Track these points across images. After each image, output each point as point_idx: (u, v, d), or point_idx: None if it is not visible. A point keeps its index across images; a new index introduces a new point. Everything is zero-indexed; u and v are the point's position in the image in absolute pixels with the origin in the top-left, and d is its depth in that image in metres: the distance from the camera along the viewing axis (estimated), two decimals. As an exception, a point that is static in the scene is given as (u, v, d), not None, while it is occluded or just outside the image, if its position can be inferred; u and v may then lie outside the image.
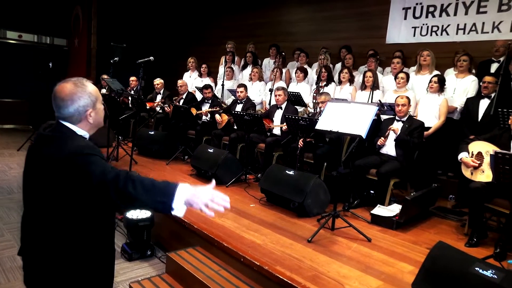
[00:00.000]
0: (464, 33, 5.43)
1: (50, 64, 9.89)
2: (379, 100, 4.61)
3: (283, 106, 5.19)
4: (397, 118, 4.22)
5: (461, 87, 4.65)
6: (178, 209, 1.38)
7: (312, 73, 6.27)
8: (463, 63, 4.63)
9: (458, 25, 5.48)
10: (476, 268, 2.11)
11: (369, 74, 4.96)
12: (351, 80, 5.32)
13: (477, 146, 3.46)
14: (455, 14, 5.51)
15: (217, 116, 5.73)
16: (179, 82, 6.60)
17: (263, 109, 6.00)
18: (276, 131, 5.17)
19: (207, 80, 6.92)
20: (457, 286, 2.14)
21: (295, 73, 5.94)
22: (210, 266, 2.85)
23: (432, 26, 5.74)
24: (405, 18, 6.04)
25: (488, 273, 2.07)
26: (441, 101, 4.44)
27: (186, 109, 5.69)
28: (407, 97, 4.20)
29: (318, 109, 4.80)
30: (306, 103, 5.50)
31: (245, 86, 5.65)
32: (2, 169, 5.82)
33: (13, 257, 3.24)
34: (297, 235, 3.22)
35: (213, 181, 1.47)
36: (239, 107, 5.55)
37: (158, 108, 6.72)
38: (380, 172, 3.95)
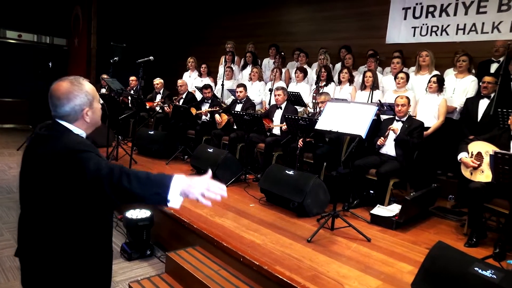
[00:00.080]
0: (464, 33, 5.43)
1: (50, 64, 9.92)
2: (379, 100, 4.61)
3: (283, 106, 5.19)
4: (396, 118, 4.22)
5: (461, 87, 4.65)
6: (174, 201, 1.36)
7: (312, 73, 6.27)
8: (463, 63, 4.63)
9: (458, 25, 5.48)
10: (476, 268, 2.11)
11: (368, 74, 4.96)
12: (350, 80, 5.32)
13: (476, 146, 3.46)
14: (455, 14, 5.51)
15: (216, 116, 5.73)
16: (179, 82, 6.60)
17: (263, 109, 6.01)
18: (276, 131, 5.17)
19: (207, 80, 6.92)
20: (456, 286, 2.14)
21: (295, 73, 5.94)
22: (209, 266, 2.85)
23: (432, 26, 5.74)
24: (405, 18, 6.04)
25: (488, 273, 2.07)
26: (440, 101, 4.44)
27: (185, 109, 5.69)
28: (407, 97, 4.20)
29: (317, 109, 4.80)
30: (306, 103, 5.50)
31: (244, 86, 5.65)
32: (2, 169, 5.82)
33: (13, 256, 3.20)
34: (297, 235, 3.22)
35: (209, 171, 1.44)
36: (238, 107, 5.55)
37: (157, 108, 6.72)
38: (379, 172, 3.96)
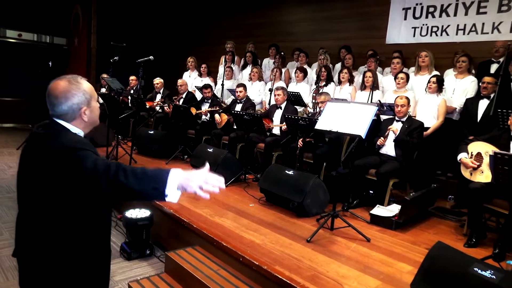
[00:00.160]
0: (464, 34, 5.43)
1: (50, 63, 9.92)
2: (379, 100, 4.62)
3: (283, 106, 5.19)
4: (396, 118, 4.22)
5: (461, 87, 4.65)
6: (172, 195, 1.35)
7: (312, 73, 6.27)
8: (462, 64, 4.64)
9: (458, 25, 5.48)
10: (475, 269, 2.11)
11: (368, 74, 4.96)
12: (350, 80, 5.32)
13: (476, 146, 3.46)
14: (455, 15, 5.52)
15: (216, 115, 5.73)
16: (179, 81, 6.60)
17: (262, 109, 6.01)
18: (276, 131, 5.17)
19: (207, 80, 6.92)
20: (456, 286, 2.14)
21: (295, 73, 5.94)
22: (209, 266, 2.85)
23: (432, 27, 5.74)
24: (405, 19, 6.04)
25: (487, 273, 2.07)
26: (439, 101, 4.44)
27: (185, 108, 5.69)
28: (407, 98, 4.20)
29: (317, 109, 4.80)
30: (306, 103, 5.50)
31: (244, 86, 5.65)
32: (1, 168, 5.82)
33: (12, 256, 3.24)
34: (296, 235, 3.22)
35: (207, 164, 1.43)
36: (238, 107, 5.55)
37: (157, 108, 6.72)
38: (379, 172, 3.96)
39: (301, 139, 4.28)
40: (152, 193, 1.35)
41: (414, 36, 5.94)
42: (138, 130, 6.12)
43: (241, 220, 3.50)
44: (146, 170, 1.37)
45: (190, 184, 1.35)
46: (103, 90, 7.54)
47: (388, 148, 4.20)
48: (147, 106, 6.82)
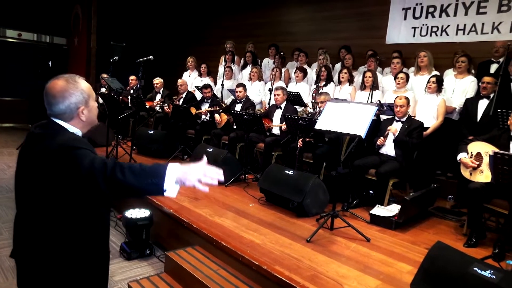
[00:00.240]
0: (463, 34, 5.43)
1: (50, 63, 9.93)
2: (379, 100, 4.62)
3: (283, 105, 5.18)
4: (396, 118, 4.22)
5: (460, 87, 4.65)
6: (171, 190, 1.33)
7: (312, 73, 6.27)
8: (462, 64, 4.64)
9: (457, 25, 5.48)
10: (475, 269, 2.11)
11: (368, 74, 4.96)
12: (350, 80, 5.31)
13: (476, 146, 3.46)
14: (455, 15, 5.52)
15: (216, 115, 5.73)
16: (179, 81, 6.60)
17: (262, 109, 6.00)
18: (276, 130, 5.17)
19: (207, 80, 6.92)
20: (455, 286, 2.14)
21: (295, 73, 5.94)
22: (209, 266, 2.85)
23: (432, 27, 5.74)
24: (405, 19, 6.04)
25: (487, 273, 2.07)
26: (439, 101, 4.44)
27: (185, 108, 5.69)
28: (406, 98, 4.20)
29: (317, 109, 4.80)
30: (306, 103, 5.50)
31: (244, 86, 5.65)
32: (1, 168, 5.82)
33: (12, 256, 3.24)
34: (296, 235, 3.22)
35: (205, 158, 1.41)
36: (238, 107, 5.55)
37: (157, 108, 6.72)
38: (379, 172, 3.96)
39: (301, 139, 4.28)
40: (150, 189, 1.34)
41: (414, 36, 5.94)
42: (138, 130, 6.12)
43: (241, 220, 3.50)
44: (143, 165, 1.36)
45: (189, 178, 1.34)
46: (103, 90, 7.54)
47: (388, 148, 4.20)
48: (147, 106, 6.82)
